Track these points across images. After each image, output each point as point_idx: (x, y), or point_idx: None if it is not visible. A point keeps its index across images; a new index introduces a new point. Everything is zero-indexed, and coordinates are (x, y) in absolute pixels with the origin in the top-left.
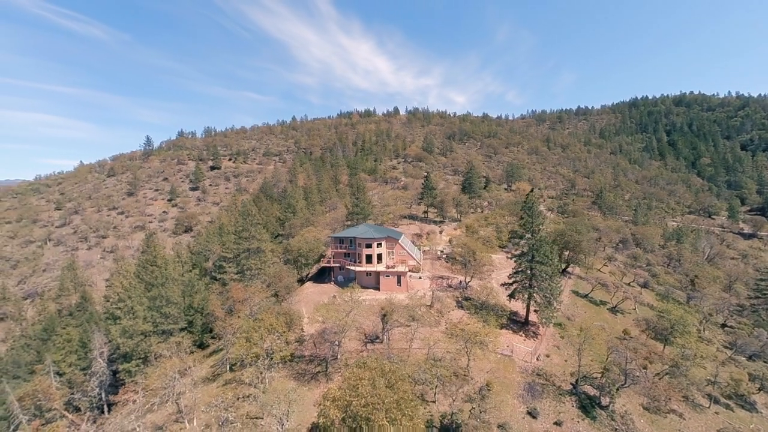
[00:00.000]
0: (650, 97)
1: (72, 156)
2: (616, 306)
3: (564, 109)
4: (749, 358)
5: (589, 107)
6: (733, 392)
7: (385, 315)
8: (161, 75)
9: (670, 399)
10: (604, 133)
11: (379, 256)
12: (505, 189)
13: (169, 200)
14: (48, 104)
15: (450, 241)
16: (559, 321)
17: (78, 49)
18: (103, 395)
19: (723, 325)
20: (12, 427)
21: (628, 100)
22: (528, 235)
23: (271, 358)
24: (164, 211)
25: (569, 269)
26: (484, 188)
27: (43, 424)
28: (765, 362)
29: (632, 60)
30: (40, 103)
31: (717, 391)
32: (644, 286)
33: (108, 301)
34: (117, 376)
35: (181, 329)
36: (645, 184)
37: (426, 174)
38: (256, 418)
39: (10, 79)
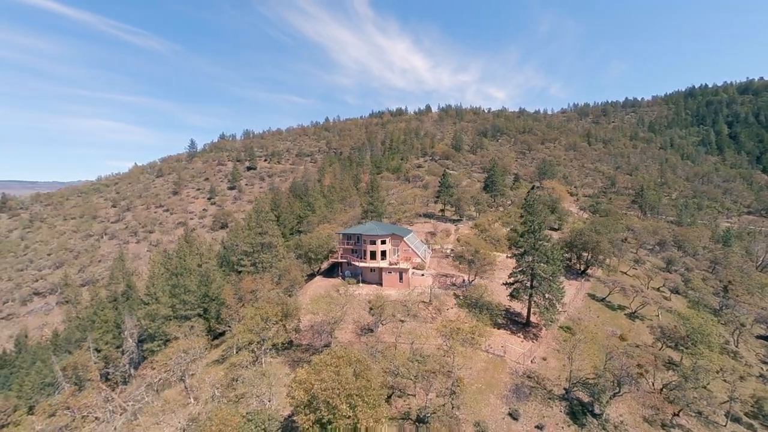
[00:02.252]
0: (710, 86)
1: (128, 158)
2: (635, 311)
3: (610, 101)
4: None
5: (639, 99)
6: (757, 411)
7: (371, 309)
8: (208, 81)
9: (678, 413)
10: (653, 126)
11: (383, 253)
12: (537, 187)
13: (209, 199)
14: (111, 111)
15: (458, 239)
16: (566, 324)
17: (138, 61)
18: (132, 370)
19: (764, 338)
20: (56, 392)
21: (683, 90)
22: (529, 234)
23: (264, 344)
24: (204, 209)
25: (589, 271)
26: (512, 186)
27: (78, 390)
28: None
29: (692, 45)
30: (105, 111)
31: (737, 408)
32: (675, 291)
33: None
34: (144, 354)
35: (198, 315)
36: (697, 181)
37: (443, 171)
38: (245, 397)
39: (84, 91)
